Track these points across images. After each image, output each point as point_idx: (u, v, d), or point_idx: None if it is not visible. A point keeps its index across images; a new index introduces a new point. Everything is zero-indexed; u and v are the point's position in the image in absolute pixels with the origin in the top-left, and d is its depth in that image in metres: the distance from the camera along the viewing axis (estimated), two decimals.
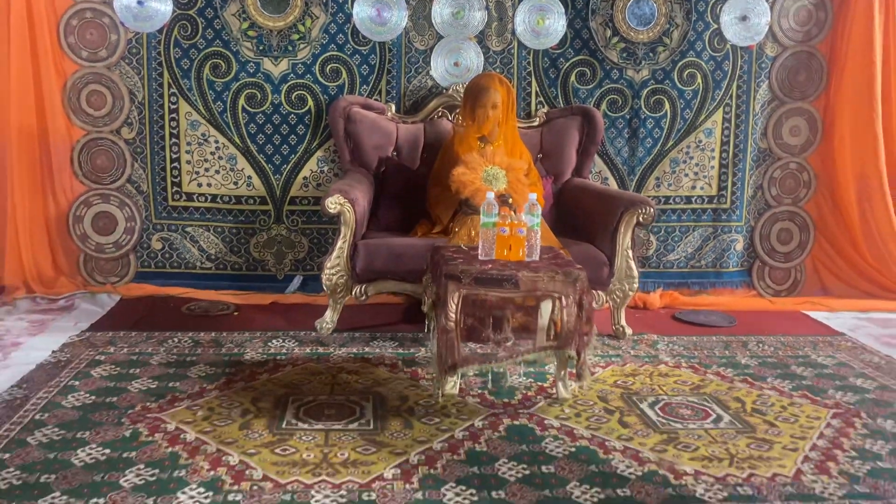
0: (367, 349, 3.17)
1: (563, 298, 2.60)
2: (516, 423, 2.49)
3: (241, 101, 3.88)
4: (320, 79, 3.90)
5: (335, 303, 3.36)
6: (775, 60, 4.07)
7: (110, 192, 3.92)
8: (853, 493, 2.08)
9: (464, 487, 2.04)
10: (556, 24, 3.94)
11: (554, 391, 2.73)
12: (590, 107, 3.92)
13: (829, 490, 2.10)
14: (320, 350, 3.14)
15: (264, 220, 3.99)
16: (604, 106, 4.02)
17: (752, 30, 4.01)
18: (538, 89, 4.01)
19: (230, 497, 1.96)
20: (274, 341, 3.23)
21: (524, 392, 2.75)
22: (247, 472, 2.10)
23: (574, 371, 2.65)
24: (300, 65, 3.88)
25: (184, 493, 1.97)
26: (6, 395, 2.58)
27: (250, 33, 3.83)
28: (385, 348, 3.19)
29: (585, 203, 3.69)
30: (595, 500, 2.01)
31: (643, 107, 4.03)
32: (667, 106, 4.05)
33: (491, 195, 2.79)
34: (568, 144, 3.88)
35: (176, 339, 3.21)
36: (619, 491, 2.06)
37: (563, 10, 3.93)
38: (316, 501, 1.95)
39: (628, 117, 4.05)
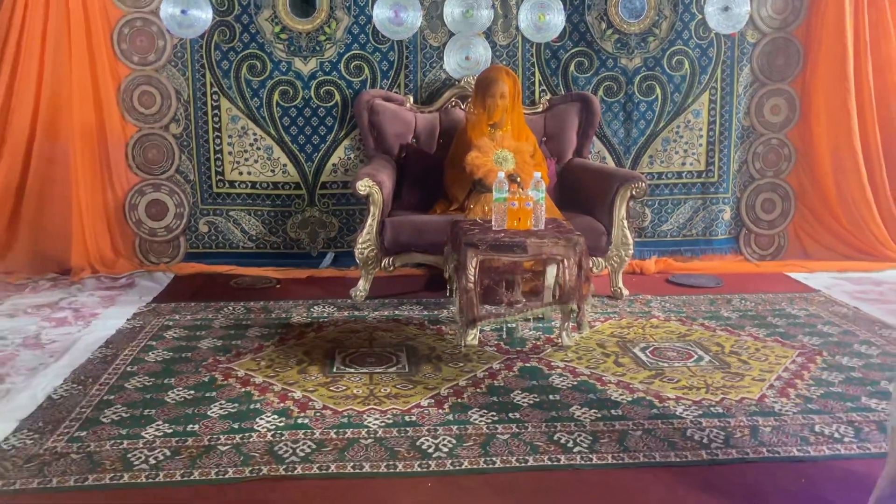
0: (396, 312, 3.64)
1: (565, 261, 3.05)
2: (528, 365, 2.95)
3: (276, 97, 4.33)
4: (345, 75, 4.34)
5: (367, 273, 3.82)
6: (755, 46, 4.49)
7: (161, 182, 4.39)
8: (806, 410, 2.55)
9: (486, 411, 2.52)
10: (556, 19, 4.36)
11: (559, 341, 3.20)
12: (587, 93, 4.35)
13: (786, 408, 2.56)
14: (356, 313, 3.61)
15: (299, 204, 4.45)
16: (600, 92, 4.45)
17: (733, 19, 4.42)
18: (541, 79, 4.44)
19: (299, 421, 2.44)
20: (315, 307, 3.70)
21: (534, 342, 3.22)
22: (309, 403, 2.58)
23: (575, 323, 3.12)
24: (327, 63, 4.33)
25: (261, 419, 2.46)
26: (98, 353, 3.06)
27: (282, 36, 4.27)
28: (413, 311, 3.66)
29: (585, 180, 4.14)
30: (593, 418, 2.48)
31: (636, 92, 4.46)
32: (658, 91, 4.47)
33: (501, 174, 3.24)
34: (569, 128, 4.32)
35: (230, 308, 3.69)
36: (612, 412, 2.53)
37: (562, 6, 4.35)
38: (368, 422, 2.43)
39: (623, 102, 4.48)
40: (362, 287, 3.83)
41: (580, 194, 4.11)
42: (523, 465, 2.19)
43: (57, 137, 4.21)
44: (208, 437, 2.34)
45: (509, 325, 3.29)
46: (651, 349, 3.14)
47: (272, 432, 2.37)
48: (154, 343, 3.19)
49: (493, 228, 3.19)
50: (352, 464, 2.18)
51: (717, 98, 4.51)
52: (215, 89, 4.31)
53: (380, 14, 4.28)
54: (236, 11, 4.23)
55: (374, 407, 2.55)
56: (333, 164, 4.42)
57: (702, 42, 4.45)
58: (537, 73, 4.44)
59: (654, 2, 4.38)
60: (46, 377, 2.80)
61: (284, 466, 2.16)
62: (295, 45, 4.29)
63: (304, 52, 4.30)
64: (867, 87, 4.46)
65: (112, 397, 2.63)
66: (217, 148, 4.38)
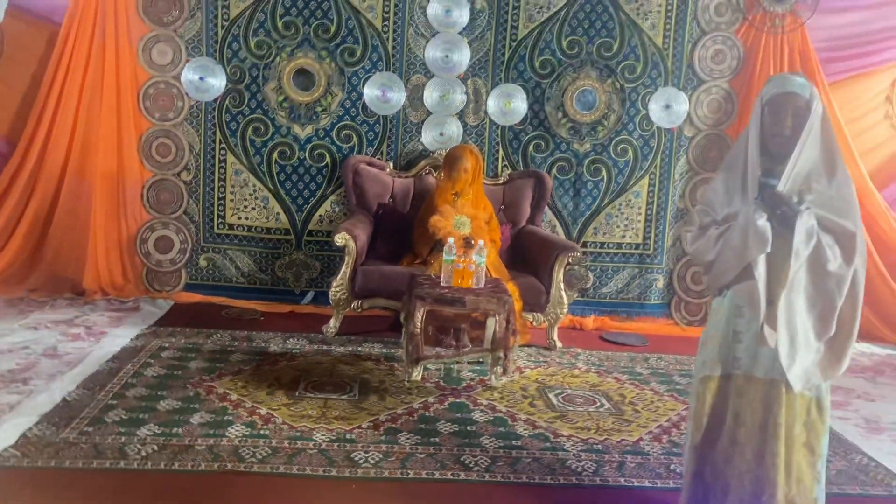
0: (359, 348, 4.27)
1: (496, 315, 3.71)
2: (458, 400, 3.58)
3: (275, 156, 5.03)
4: (336, 141, 5.04)
5: (338, 312, 4.47)
6: (692, 140, 5.18)
7: (170, 221, 5.06)
8: (669, 452, 3.17)
9: (413, 435, 3.15)
10: (520, 107, 5.07)
11: (489, 382, 3.83)
12: (541, 171, 5.04)
13: (654, 450, 3.18)
14: (325, 347, 4.25)
15: (287, 247, 5.12)
16: (554, 170, 5.14)
17: (673, 115, 5.12)
18: (504, 155, 5.14)
19: (261, 432, 3.07)
20: (291, 339, 4.34)
21: (468, 382, 3.85)
22: (272, 419, 3.21)
23: (501, 368, 3.76)
24: (321, 130, 5.03)
25: (232, 428, 3.09)
26: (105, 366, 3.70)
27: (284, 105, 4.99)
28: (373, 348, 4.29)
29: (533, 245, 4.80)
30: (496, 446, 3.10)
31: (585, 172, 5.15)
32: (604, 172, 5.16)
33: (451, 240, 3.92)
34: (524, 199, 5.00)
35: (218, 335, 4.33)
36: (514, 442, 3.16)
37: (525, 95, 5.06)
38: (315, 437, 3.06)
39: (573, 180, 5.16)
40: (333, 324, 4.47)
41: (528, 257, 4.77)
42: (430, 477, 2.82)
43: (84, 176, 4.90)
44: (189, 438, 2.97)
45: (452, 366, 3.93)
46: (564, 395, 3.76)
47: (239, 438, 3.00)
48: (152, 360, 3.83)
49: (441, 284, 3.84)
50: (297, 467, 2.81)
51: (656, 182, 5.19)
52: (223, 145, 5.01)
53: (369, 92, 5.00)
54: (246, 81, 4.95)
55: (324, 426, 3.18)
56: (320, 216, 5.10)
57: (645, 134, 5.14)
58: (501, 151, 5.13)
59: (604, 97, 5.09)
60: (63, 382, 3.44)
61: (245, 464, 2.80)
62: (295, 113, 5.00)
63: (302, 119, 5.01)
64: None
65: (115, 402, 3.27)
66: (221, 195, 5.06)
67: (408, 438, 3.11)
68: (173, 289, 5.10)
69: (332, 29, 4.93)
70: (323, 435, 3.09)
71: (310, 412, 3.31)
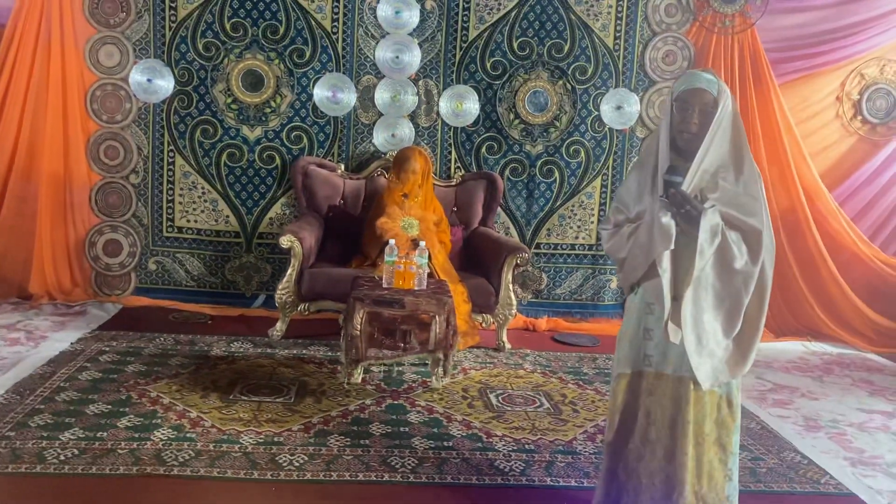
0: (304, 352, 4.24)
1: (436, 317, 3.69)
2: (395, 402, 3.56)
3: (224, 158, 4.99)
4: (286, 143, 5.01)
5: (284, 316, 4.43)
6: (643, 141, 5.19)
7: (118, 224, 5.01)
8: (601, 451, 3.14)
9: (343, 437, 3.12)
10: (472, 108, 5.06)
11: (430, 383, 3.81)
12: (493, 173, 5.03)
13: (587, 449, 3.17)
14: (269, 351, 4.21)
15: (237, 250, 5.08)
16: (507, 172, 5.13)
17: (625, 116, 5.13)
18: (457, 157, 5.12)
19: (188, 435, 3.03)
20: (235, 343, 4.30)
21: (410, 384, 3.82)
22: (201, 422, 3.17)
23: (441, 370, 3.73)
24: (271, 132, 5.00)
25: (159, 431, 3.05)
26: (39, 370, 3.65)
27: (233, 106, 4.95)
28: (318, 351, 4.26)
29: (483, 247, 4.78)
30: (426, 447, 3.08)
31: (538, 174, 5.14)
32: (556, 174, 5.16)
33: (392, 242, 3.89)
34: (476, 201, 4.98)
35: (162, 339, 4.28)
36: (445, 443, 3.13)
37: (477, 97, 5.05)
38: (242, 440, 3.02)
39: (526, 181, 5.16)
40: (279, 328, 4.44)
41: (479, 259, 4.75)
42: (354, 479, 2.78)
43: (29, 179, 4.84)
44: (112, 442, 2.93)
45: (396, 368, 3.90)
46: (504, 396, 3.74)
47: (164, 442, 2.96)
48: (89, 364, 3.78)
49: (383, 286, 3.82)
50: (217, 469, 2.77)
51: (609, 183, 5.19)
52: (171, 147, 4.97)
53: (319, 93, 4.97)
54: (195, 83, 4.91)
55: (253, 428, 3.14)
56: (270, 218, 5.06)
57: (597, 135, 5.15)
58: (454, 152, 5.12)
59: (556, 98, 5.09)
60: None
61: (165, 468, 2.76)
62: (244, 114, 4.96)
63: (251, 121, 4.97)
64: None
65: (43, 407, 3.22)
66: (170, 198, 5.02)
67: (337, 441, 3.08)
68: (123, 293, 5.04)
69: (281, 30, 4.90)
70: (250, 438, 3.05)
71: (241, 415, 3.27)
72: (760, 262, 2.23)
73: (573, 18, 5.03)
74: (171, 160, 4.99)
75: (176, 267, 5.07)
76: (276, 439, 3.05)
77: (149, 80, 4.87)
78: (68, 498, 2.55)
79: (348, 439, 3.10)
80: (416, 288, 3.80)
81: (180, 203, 5.03)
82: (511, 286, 4.50)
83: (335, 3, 4.90)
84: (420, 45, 4.99)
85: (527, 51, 5.05)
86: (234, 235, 5.07)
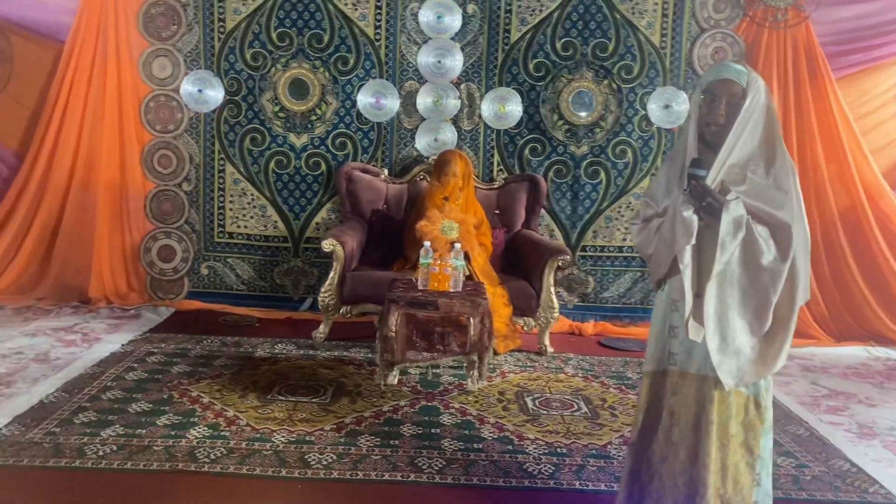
0: (345, 353, 4.28)
1: (471, 319, 3.67)
2: (430, 404, 3.55)
3: (272, 165, 5.10)
4: (331, 149, 5.09)
5: (327, 318, 4.49)
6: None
7: (172, 230, 5.18)
8: None
9: (373, 437, 3.13)
10: (515, 110, 5.04)
11: (466, 386, 3.78)
12: (535, 174, 4.98)
13: (621, 453, 3.09)
14: (311, 352, 4.27)
15: (285, 255, 5.17)
16: (551, 174, 5.08)
17: (673, 115, 5.01)
18: (499, 160, 5.10)
19: (222, 433, 3.10)
20: (279, 345, 4.38)
21: (446, 386, 3.81)
22: (237, 421, 3.23)
23: (476, 372, 3.71)
24: (317, 138, 5.08)
25: (195, 429, 3.12)
26: (89, 370, 3.79)
27: (280, 115, 5.06)
28: (358, 353, 4.29)
29: (525, 249, 4.74)
30: (455, 448, 3.06)
31: (583, 175, 5.07)
32: (602, 175, 5.08)
33: (428, 244, 3.90)
34: (518, 204, 4.95)
35: (209, 341, 4.39)
36: (475, 445, 3.11)
37: (520, 99, 5.02)
38: (275, 439, 3.07)
39: (570, 183, 5.09)
40: (322, 330, 4.50)
41: (521, 261, 4.71)
42: (379, 478, 2.79)
43: (88, 188, 5.05)
44: (149, 439, 3.01)
45: (433, 370, 3.90)
46: (541, 399, 3.69)
47: (198, 440, 3.03)
48: (136, 365, 3.91)
49: (419, 288, 3.83)
50: (247, 467, 2.82)
51: None
52: (222, 156, 5.11)
53: (363, 100, 5.03)
54: (243, 92, 5.04)
55: (287, 428, 3.18)
56: (317, 223, 5.14)
57: (644, 134, 5.04)
58: (496, 155, 5.10)
59: (601, 98, 5.01)
60: (44, 386, 3.54)
61: (196, 464, 2.82)
62: (291, 122, 5.07)
63: (298, 128, 5.07)
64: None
65: (88, 405, 3.34)
66: (220, 204, 5.15)
67: (367, 441, 3.09)
68: (176, 297, 5.20)
69: (326, 38, 4.99)
70: (283, 437, 3.09)
71: (277, 415, 3.32)
72: (790, 258, 2.13)
73: (618, 17, 4.95)
74: (221, 168, 5.12)
75: (227, 271, 5.20)
76: (307, 438, 3.09)
77: (199, 91, 5.02)
78: (101, 492, 2.62)
79: (378, 439, 3.11)
80: (451, 290, 3.79)
81: (231, 209, 5.16)
82: (552, 289, 4.45)
83: (378, 11, 4.96)
84: (462, 48, 4.99)
85: (570, 51, 4.99)
86: (282, 240, 5.16)
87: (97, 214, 5.06)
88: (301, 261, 5.17)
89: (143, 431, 3.08)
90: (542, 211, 5.04)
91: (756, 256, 2.13)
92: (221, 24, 4.98)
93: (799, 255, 2.16)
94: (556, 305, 4.45)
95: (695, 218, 2.15)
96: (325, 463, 2.88)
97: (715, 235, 2.13)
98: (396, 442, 3.10)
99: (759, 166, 2.19)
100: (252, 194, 5.13)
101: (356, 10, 4.96)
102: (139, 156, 5.11)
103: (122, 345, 4.24)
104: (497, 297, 4.40)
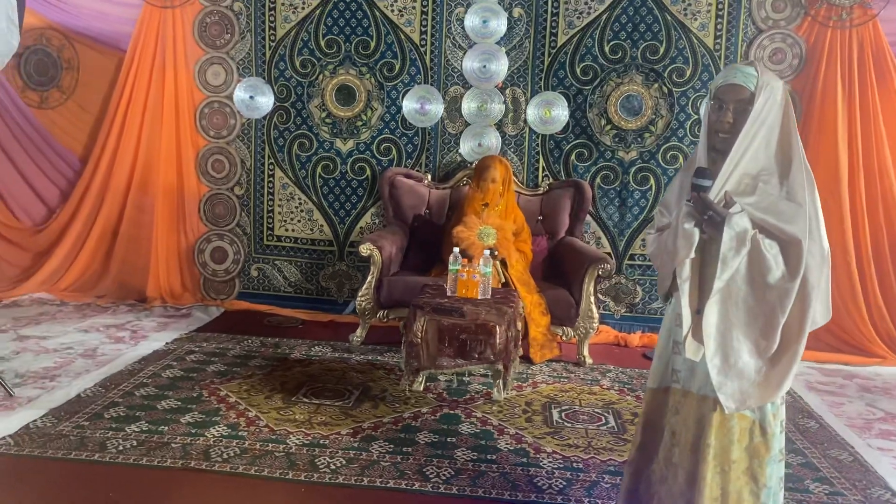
0: (379, 358, 4.29)
1: (497, 326, 3.61)
2: (451, 412, 3.51)
3: (319, 170, 5.18)
4: (376, 154, 5.12)
5: (364, 322, 4.51)
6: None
7: (224, 233, 5.33)
8: None
9: (387, 443, 3.11)
10: (561, 115, 4.94)
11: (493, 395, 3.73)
12: (580, 180, 4.87)
13: None
14: (345, 356, 4.30)
15: (331, 258, 5.24)
16: (598, 180, 4.95)
17: None
18: (544, 165, 5.01)
19: (239, 433, 3.15)
20: (316, 347, 4.43)
21: (473, 394, 3.76)
22: (257, 421, 3.28)
23: (501, 382, 3.65)
24: (362, 144, 5.13)
25: (214, 428, 3.19)
26: (129, 367, 3.93)
27: (327, 121, 5.13)
28: (392, 357, 4.29)
29: (567, 257, 4.64)
30: (467, 458, 3.01)
31: (631, 181, 4.92)
32: (652, 181, 4.91)
33: (457, 250, 3.86)
34: (562, 210, 4.84)
35: (250, 341, 4.49)
36: (488, 456, 3.05)
37: (566, 103, 4.92)
38: (289, 441, 3.10)
39: (619, 189, 4.95)
40: (359, 333, 4.52)
41: (563, 269, 4.61)
42: (384, 486, 2.77)
43: (146, 191, 5.25)
44: (169, 436, 3.09)
45: (462, 378, 3.87)
46: (569, 412, 3.59)
47: (215, 438, 3.09)
48: (174, 363, 4.03)
49: (447, 294, 3.80)
50: (255, 468, 2.85)
51: None
52: (272, 160, 5.22)
53: (408, 106, 5.04)
54: (292, 99, 5.14)
55: (304, 430, 3.21)
56: (361, 227, 5.18)
57: (697, 139, 4.85)
58: (541, 160, 5.02)
59: (651, 102, 4.85)
60: (84, 380, 3.69)
61: (207, 463, 2.87)
62: (337, 128, 5.13)
63: (344, 134, 5.13)
64: (859, 193, 4.68)
65: (121, 400, 3.47)
66: (269, 208, 5.27)
67: (380, 447, 3.08)
68: (227, 297, 5.34)
69: (372, 45, 5.03)
70: (298, 439, 3.12)
71: (297, 417, 3.36)
72: (800, 275, 2.00)
73: (669, 19, 4.79)
74: (270, 172, 5.24)
75: (275, 273, 5.31)
76: (321, 442, 3.10)
77: (251, 98, 5.15)
78: (113, 485, 2.71)
79: (391, 446, 3.09)
80: (479, 297, 3.75)
81: (279, 213, 5.26)
82: (592, 298, 4.33)
83: (423, 16, 4.97)
84: (507, 53, 4.94)
85: (619, 54, 4.86)
86: (328, 244, 5.23)
87: (155, 217, 5.24)
88: (346, 264, 5.23)
89: (166, 428, 3.17)
90: (589, 218, 4.92)
91: (763, 273, 2.01)
92: (272, 31, 5.09)
93: (812, 272, 2.02)
94: (596, 315, 4.33)
95: (696, 231, 2.05)
96: (333, 467, 2.88)
97: (718, 251, 2.02)
98: (409, 449, 3.07)
99: (773, 177, 2.06)
100: (299, 198, 5.22)
101: (402, 16, 4.98)
102: (194, 160, 5.28)
103: (167, 343, 4.38)
104: (534, 306, 4.32)
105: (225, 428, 3.20)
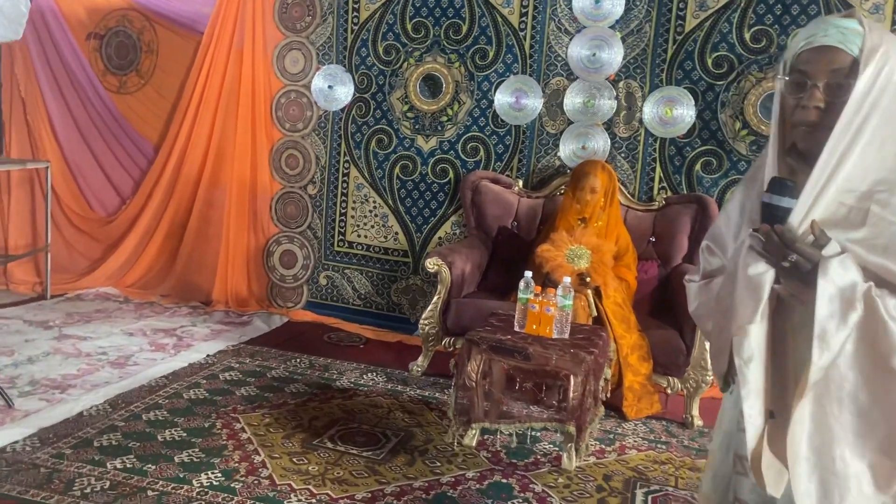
0: (436, 395, 3.61)
1: (570, 376, 2.83)
2: (504, 481, 2.77)
3: (397, 171, 4.58)
4: (461, 155, 4.45)
5: (427, 349, 3.85)
6: None
7: (294, 235, 4.84)
8: None
9: None
10: (685, 115, 4.06)
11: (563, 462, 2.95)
12: (705, 195, 3.96)
13: None
14: (398, 388, 3.65)
15: (404, 271, 4.62)
16: (728, 195, 4.03)
17: None
18: (662, 175, 4.14)
19: (232, 484, 2.57)
20: (368, 374, 3.81)
21: (538, 457, 3.00)
22: (260, 469, 2.69)
23: (573, 447, 2.86)
24: (446, 142, 4.47)
25: (207, 473, 2.63)
26: (152, 382, 3.47)
27: (409, 115, 4.52)
28: (451, 397, 3.60)
29: (682, 290, 3.74)
30: None
31: None
32: None
33: (529, 274, 3.11)
34: (680, 231, 3.96)
35: (297, 361, 3.94)
36: None
37: (693, 101, 4.04)
38: (290, 500, 2.48)
39: None
40: (420, 362, 3.87)
41: (674, 305, 3.75)
42: None
43: (217, 185, 4.85)
44: (149, 480, 2.56)
45: (528, 433, 3.11)
46: (660, 494, 2.76)
47: (200, 489, 2.52)
48: (203, 381, 3.53)
49: (514, 329, 3.06)
50: None
51: None
52: (347, 158, 4.67)
53: (501, 99, 4.34)
54: (373, 89, 4.56)
55: (310, 488, 2.59)
56: (439, 238, 4.53)
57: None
58: (658, 169, 4.15)
59: None
60: (97, 395, 3.25)
61: None
62: (420, 123, 4.50)
63: (426, 130, 4.49)
64: None
65: (122, 424, 2.99)
66: (342, 211, 4.72)
67: None
68: (295, 305, 4.85)
69: (464, 29, 4.36)
70: (298, 500, 2.49)
71: (311, 468, 2.74)
72: None
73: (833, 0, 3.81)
74: (346, 171, 4.69)
75: (344, 283, 4.76)
76: None
77: (330, 87, 4.63)
78: None
79: None
80: (553, 336, 2.98)
81: (352, 217, 4.71)
82: (707, 345, 3.44)
83: None
84: (623, 39, 4.12)
85: (763, 43, 3.92)
86: (402, 254, 4.62)
87: (224, 213, 4.84)
88: (420, 279, 4.59)
89: (152, 468, 2.64)
90: None
91: (885, 354, 1.20)
92: (356, 14, 4.54)
93: None
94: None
95: (768, 277, 1.24)
96: None
97: (810, 317, 1.20)
98: None
99: (894, 195, 1.23)
100: (374, 201, 4.64)
101: None
102: (268, 154, 4.83)
103: (208, 355, 3.91)
104: (633, 348, 3.50)
105: (217, 474, 2.63)
